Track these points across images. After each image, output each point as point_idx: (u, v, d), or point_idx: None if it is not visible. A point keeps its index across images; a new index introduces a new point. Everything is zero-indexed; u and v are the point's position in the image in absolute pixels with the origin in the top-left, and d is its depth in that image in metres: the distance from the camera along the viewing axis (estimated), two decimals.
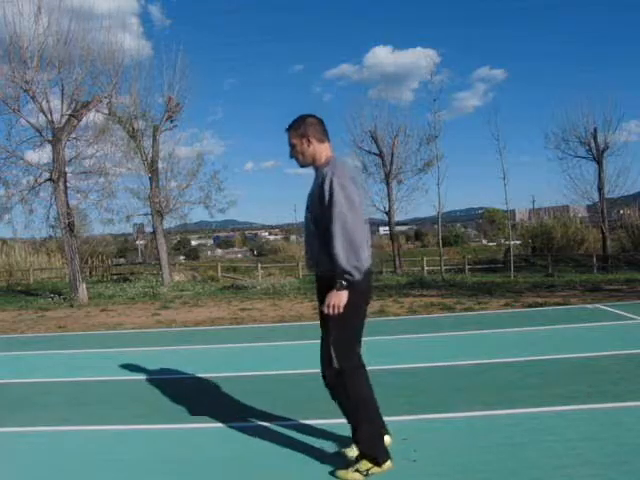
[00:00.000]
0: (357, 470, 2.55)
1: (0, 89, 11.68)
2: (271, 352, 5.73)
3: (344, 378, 2.56)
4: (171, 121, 15.50)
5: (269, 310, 9.11)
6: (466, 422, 3.22)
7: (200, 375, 4.67)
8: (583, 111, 20.94)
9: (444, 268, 17.19)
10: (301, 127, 2.65)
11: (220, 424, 3.36)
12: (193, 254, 48.03)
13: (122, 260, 32.50)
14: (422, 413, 3.41)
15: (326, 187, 2.47)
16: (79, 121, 12.62)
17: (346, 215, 2.42)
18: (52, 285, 17.38)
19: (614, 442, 2.81)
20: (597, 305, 7.79)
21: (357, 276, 2.43)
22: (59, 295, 12.78)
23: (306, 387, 3.98)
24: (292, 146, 2.68)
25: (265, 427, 3.27)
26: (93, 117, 13.21)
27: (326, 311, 2.50)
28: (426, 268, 20.09)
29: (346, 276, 2.42)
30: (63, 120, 12.27)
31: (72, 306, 11.19)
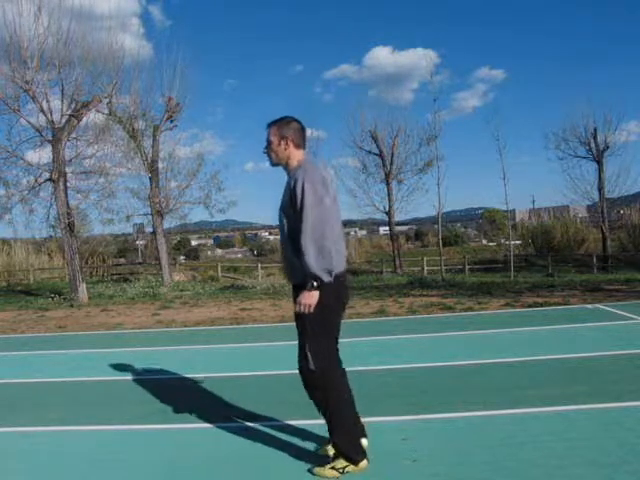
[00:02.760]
0: (333, 467, 2.58)
1: (0, 89, 11.68)
2: (271, 352, 5.73)
3: (320, 379, 2.57)
4: (171, 121, 15.50)
5: (269, 310, 9.11)
6: (466, 422, 3.22)
7: (200, 375, 4.67)
8: (583, 111, 21.00)
9: (444, 268, 17.18)
10: (283, 128, 2.68)
11: (220, 424, 3.36)
12: (193, 254, 48.02)
13: (122, 260, 32.48)
14: (422, 413, 3.41)
15: (298, 190, 2.48)
16: (79, 121, 12.62)
17: (316, 218, 2.44)
18: (52, 285, 17.38)
19: (614, 442, 2.81)
20: (597, 305, 7.79)
21: (326, 278, 2.44)
22: (59, 295, 12.78)
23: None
24: (269, 143, 2.71)
25: (265, 427, 3.27)
26: (93, 117, 13.22)
27: (297, 309, 2.52)
28: (426, 268, 20.09)
29: (315, 278, 2.43)
30: (63, 120, 12.27)
31: (72, 306, 11.19)
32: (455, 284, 12.42)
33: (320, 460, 2.70)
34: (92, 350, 6.14)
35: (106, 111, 13.69)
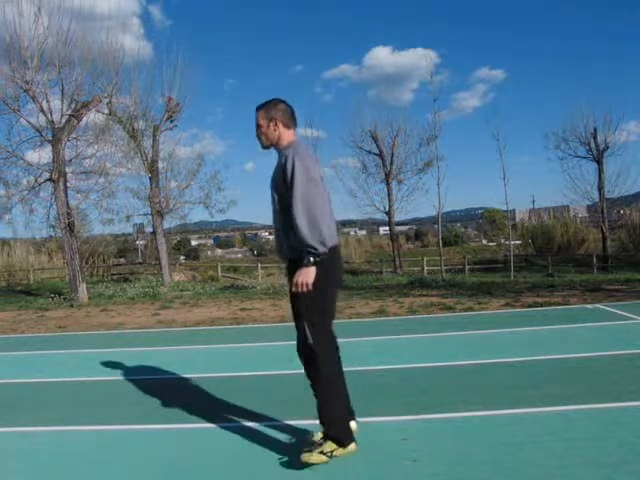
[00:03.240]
0: (321, 452, 2.58)
1: (0, 89, 11.68)
2: (271, 352, 5.72)
3: (317, 353, 2.59)
4: (171, 121, 15.51)
5: (269, 310, 9.11)
6: (466, 422, 3.22)
7: (200, 375, 4.67)
8: (583, 111, 21.00)
9: (444, 268, 17.18)
10: (271, 110, 2.70)
11: (220, 424, 3.36)
12: (193, 254, 47.99)
13: (122, 260, 32.47)
14: (422, 413, 3.41)
15: (288, 167, 2.51)
16: (79, 121, 12.62)
17: (308, 192, 2.47)
18: (52, 285, 17.38)
19: (614, 442, 2.81)
20: (597, 305, 7.78)
21: (321, 249, 2.46)
22: (59, 295, 12.78)
23: (306, 387, 3.98)
24: (258, 126, 2.73)
25: (266, 427, 3.26)
26: (93, 117, 13.23)
27: (294, 289, 2.53)
28: (426, 268, 20.10)
29: (311, 250, 2.44)
30: (63, 120, 12.27)
31: (72, 306, 11.19)
32: (455, 284, 12.42)
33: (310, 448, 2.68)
34: (92, 350, 6.14)
35: (106, 111, 13.70)
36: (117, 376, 4.80)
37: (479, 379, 4.20)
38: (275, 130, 2.69)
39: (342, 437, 2.59)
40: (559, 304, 8.15)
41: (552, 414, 3.29)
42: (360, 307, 8.85)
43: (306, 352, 2.62)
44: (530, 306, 8.11)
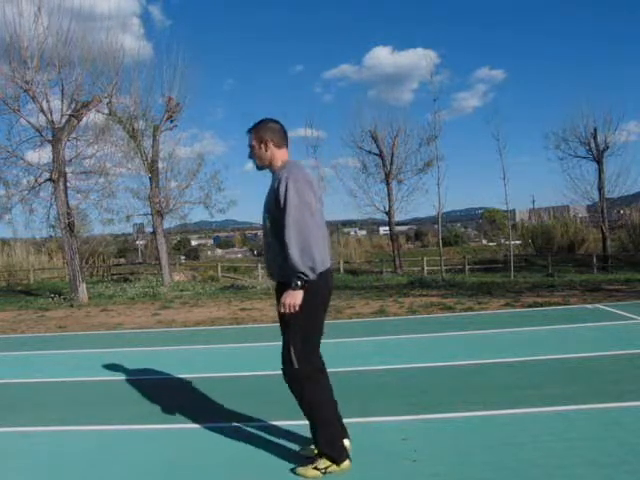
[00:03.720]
0: (316, 467, 2.59)
1: (0, 89, 11.68)
2: (271, 352, 5.71)
3: (302, 379, 2.58)
4: (171, 121, 15.51)
5: (269, 310, 9.10)
6: (466, 422, 3.22)
7: (200, 375, 4.67)
8: (583, 111, 20.98)
9: (444, 268, 17.19)
10: (261, 131, 2.70)
11: (220, 424, 3.36)
12: (193, 254, 47.98)
13: (122, 260, 32.47)
14: (422, 413, 3.41)
15: (282, 189, 2.50)
16: (79, 121, 12.62)
17: (301, 217, 2.45)
18: (52, 285, 17.38)
19: (614, 442, 2.81)
20: (597, 305, 7.79)
21: (311, 276, 2.45)
22: (59, 295, 12.78)
23: None
24: (251, 148, 2.74)
25: (266, 427, 3.27)
26: (93, 117, 13.24)
27: (282, 310, 2.53)
28: (426, 268, 20.10)
29: (300, 276, 2.44)
30: (63, 120, 12.27)
31: (72, 306, 11.19)
32: (455, 284, 12.42)
33: (304, 460, 2.70)
34: (92, 350, 6.14)
35: (106, 111, 13.70)
36: (117, 376, 4.80)
37: (479, 379, 4.20)
38: (267, 150, 2.68)
39: (336, 455, 2.60)
40: (559, 304, 8.15)
41: (552, 414, 3.29)
42: (360, 307, 8.85)
43: (292, 376, 2.61)
44: (530, 306, 8.11)
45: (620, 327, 6.15)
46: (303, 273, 2.43)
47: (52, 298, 12.41)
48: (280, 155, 2.71)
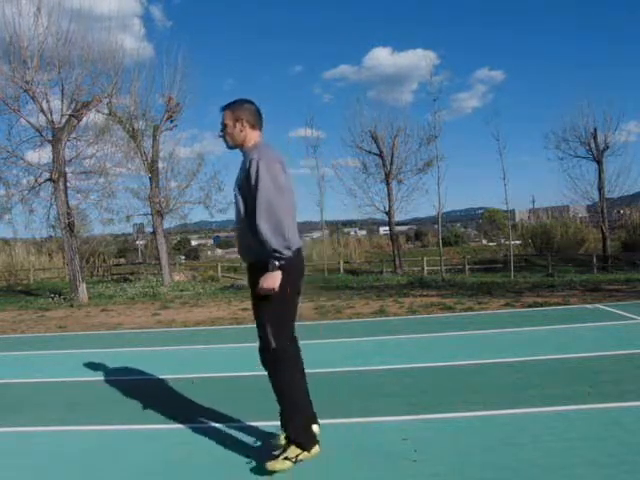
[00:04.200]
0: (286, 457, 2.57)
1: (0, 89, 11.68)
2: None
3: (278, 360, 2.60)
4: (171, 121, 15.52)
5: None
6: (466, 422, 3.22)
7: (200, 375, 4.67)
8: (583, 111, 20.97)
9: (444, 268, 17.19)
10: (237, 110, 2.68)
11: (221, 424, 3.36)
12: (193, 254, 47.96)
13: (122, 260, 32.46)
14: (422, 413, 3.41)
15: (253, 170, 2.50)
16: (79, 121, 12.63)
17: (272, 197, 2.46)
18: (52, 285, 17.39)
19: (614, 442, 2.81)
20: (597, 305, 7.78)
21: (287, 253, 2.46)
22: (59, 295, 12.78)
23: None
24: (224, 126, 2.71)
25: (266, 427, 3.26)
26: (93, 117, 13.25)
27: (261, 292, 2.52)
28: (426, 268, 20.09)
29: (276, 254, 2.44)
30: (63, 120, 12.27)
31: (72, 306, 11.19)
32: (455, 284, 12.42)
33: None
34: (92, 350, 6.14)
35: (106, 111, 13.70)
36: (117, 376, 4.79)
37: (479, 379, 4.20)
38: (242, 131, 2.67)
39: (305, 441, 2.59)
40: (559, 304, 8.15)
41: (552, 414, 3.29)
42: (360, 307, 8.85)
43: (269, 357, 2.62)
44: (530, 306, 8.11)
45: (620, 327, 6.14)
46: (278, 251, 2.43)
47: (52, 298, 12.42)
48: (253, 136, 2.69)
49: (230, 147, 2.74)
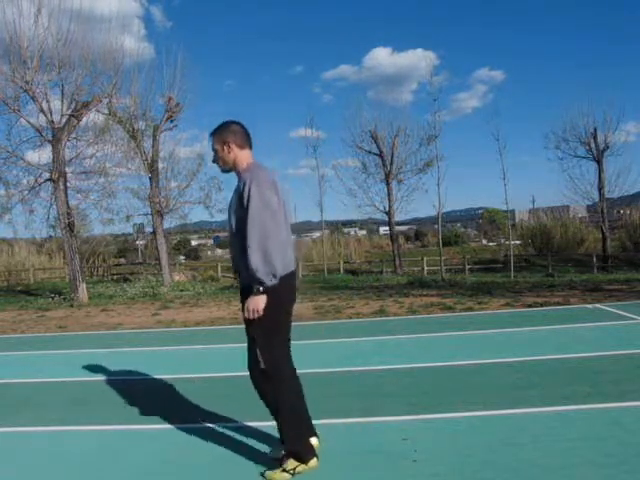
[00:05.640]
0: (284, 470, 2.59)
1: (0, 89, 11.68)
2: None
3: (271, 379, 2.59)
4: (171, 121, 15.50)
5: None
6: (466, 422, 3.22)
7: (200, 375, 4.67)
8: (583, 111, 20.95)
9: (444, 268, 17.17)
10: (223, 133, 2.70)
11: (220, 424, 3.36)
12: (193, 254, 47.95)
13: (122, 260, 32.46)
14: (422, 413, 3.41)
15: (245, 193, 2.50)
16: (79, 121, 12.63)
17: (261, 221, 2.45)
18: (52, 285, 17.39)
19: (614, 442, 2.81)
20: (597, 305, 7.79)
21: (269, 282, 2.46)
22: (59, 295, 12.78)
23: (306, 387, 3.98)
24: (214, 151, 2.74)
25: (266, 427, 3.26)
26: (93, 117, 13.24)
27: (245, 315, 2.54)
28: (426, 268, 20.08)
29: (259, 281, 2.45)
30: (63, 120, 12.27)
31: (72, 306, 11.19)
32: (455, 284, 12.42)
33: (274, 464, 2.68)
34: (92, 350, 6.14)
35: (106, 111, 13.69)
36: (117, 376, 4.80)
37: (479, 379, 4.20)
38: (230, 153, 2.68)
39: (303, 454, 2.61)
40: (559, 304, 8.15)
41: (552, 414, 3.29)
42: (360, 307, 8.85)
43: (257, 377, 2.63)
44: (530, 306, 8.11)
45: (620, 327, 6.14)
46: (261, 280, 2.44)
47: (52, 298, 12.42)
48: (243, 156, 2.70)
49: (224, 171, 2.76)
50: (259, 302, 2.49)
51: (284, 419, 2.62)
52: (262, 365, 2.58)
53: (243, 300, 2.61)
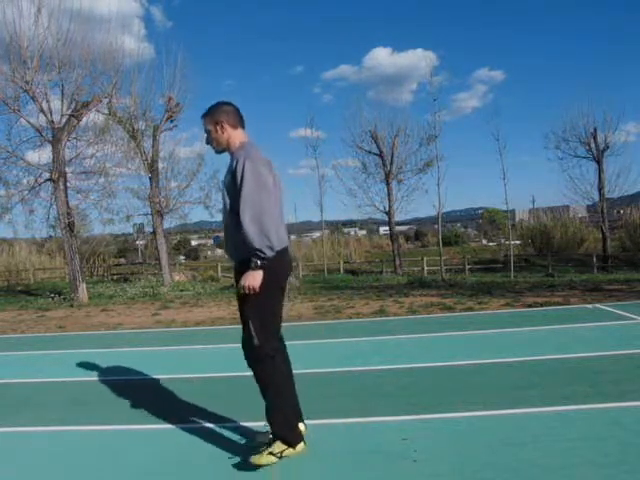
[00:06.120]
0: (271, 453, 2.58)
1: (0, 89, 11.68)
2: None
3: (262, 358, 2.59)
4: (171, 121, 15.50)
5: None
6: (466, 422, 3.22)
7: (200, 375, 4.67)
8: (583, 111, 20.94)
9: (444, 268, 17.17)
10: (215, 114, 2.70)
11: (220, 424, 3.36)
12: (193, 254, 47.94)
13: (122, 260, 32.47)
14: (422, 413, 3.41)
15: (238, 170, 2.51)
16: (79, 121, 12.62)
17: (257, 196, 2.46)
18: (52, 285, 17.39)
19: (614, 442, 2.81)
20: (597, 305, 7.78)
21: (269, 253, 2.47)
22: (59, 295, 12.78)
23: (305, 387, 3.98)
24: (207, 132, 2.73)
25: (265, 427, 3.26)
26: (93, 117, 13.23)
27: (242, 291, 2.53)
28: (426, 268, 20.08)
29: (258, 253, 2.44)
30: (63, 120, 12.27)
31: (72, 306, 11.19)
32: (455, 284, 12.42)
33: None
34: (92, 350, 6.14)
35: (106, 111, 13.69)
36: (117, 376, 4.80)
37: (479, 379, 4.20)
38: (223, 132, 2.68)
39: (291, 438, 2.60)
40: (559, 304, 8.15)
41: (552, 414, 3.29)
42: (360, 307, 8.85)
43: (252, 354, 2.63)
44: (530, 306, 8.11)
45: (620, 327, 6.14)
46: (260, 250, 2.44)
47: (52, 298, 12.42)
48: (237, 136, 2.70)
49: (218, 151, 2.76)
50: (256, 277, 2.48)
51: (272, 402, 2.62)
52: (256, 341, 2.57)
53: (237, 277, 2.61)
